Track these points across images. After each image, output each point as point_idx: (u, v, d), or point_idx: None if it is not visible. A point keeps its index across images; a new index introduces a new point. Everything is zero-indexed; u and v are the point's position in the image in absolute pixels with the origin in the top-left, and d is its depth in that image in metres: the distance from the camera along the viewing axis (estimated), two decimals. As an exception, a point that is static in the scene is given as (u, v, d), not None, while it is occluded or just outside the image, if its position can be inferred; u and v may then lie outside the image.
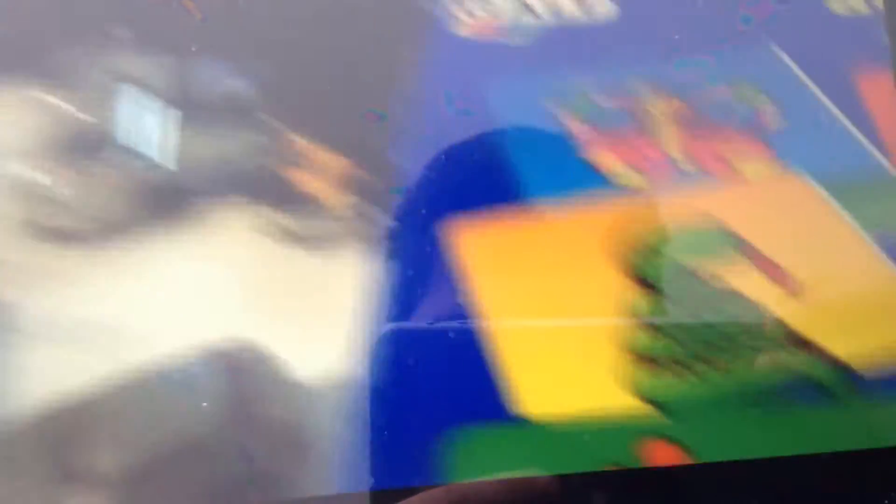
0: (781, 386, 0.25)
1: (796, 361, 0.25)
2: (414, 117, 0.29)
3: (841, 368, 0.25)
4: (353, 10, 0.30)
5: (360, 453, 0.28)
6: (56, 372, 0.27)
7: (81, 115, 0.29)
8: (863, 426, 0.26)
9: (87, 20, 0.31)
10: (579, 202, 0.26)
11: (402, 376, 0.28)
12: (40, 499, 0.26)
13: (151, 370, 0.27)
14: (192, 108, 0.30)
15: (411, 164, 0.28)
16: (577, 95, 0.26)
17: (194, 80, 0.30)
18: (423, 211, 0.28)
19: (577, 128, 0.26)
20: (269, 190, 0.30)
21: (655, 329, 0.25)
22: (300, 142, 0.29)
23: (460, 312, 0.27)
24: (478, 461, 0.26)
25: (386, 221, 0.29)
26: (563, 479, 0.30)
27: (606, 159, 0.26)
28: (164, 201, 0.29)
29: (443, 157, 0.28)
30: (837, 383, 0.25)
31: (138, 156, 0.29)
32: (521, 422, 0.26)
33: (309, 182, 0.29)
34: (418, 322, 0.30)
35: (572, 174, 0.26)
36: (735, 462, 0.30)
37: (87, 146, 0.29)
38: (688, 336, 0.25)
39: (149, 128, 0.29)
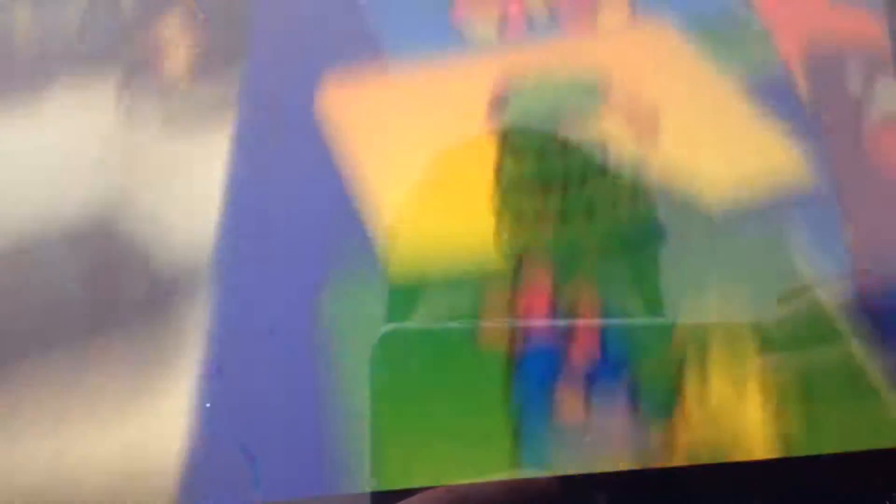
0: (643, 231, 0.24)
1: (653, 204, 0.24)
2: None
3: (696, 208, 0.24)
4: None
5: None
6: None
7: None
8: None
9: None
10: (443, 60, 0.25)
11: None
12: None
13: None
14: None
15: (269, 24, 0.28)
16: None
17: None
18: (284, 74, 0.27)
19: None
20: (118, 66, 0.29)
21: (523, 181, 0.25)
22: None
23: (334, 177, 0.26)
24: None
25: (241, 90, 0.28)
26: (564, 479, 0.30)
27: (470, 15, 0.26)
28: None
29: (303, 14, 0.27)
30: (695, 222, 0.25)
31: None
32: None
33: (161, 58, 0.28)
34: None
35: (435, 32, 0.26)
36: (736, 463, 0.30)
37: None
38: (558, 186, 0.25)
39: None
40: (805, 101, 0.26)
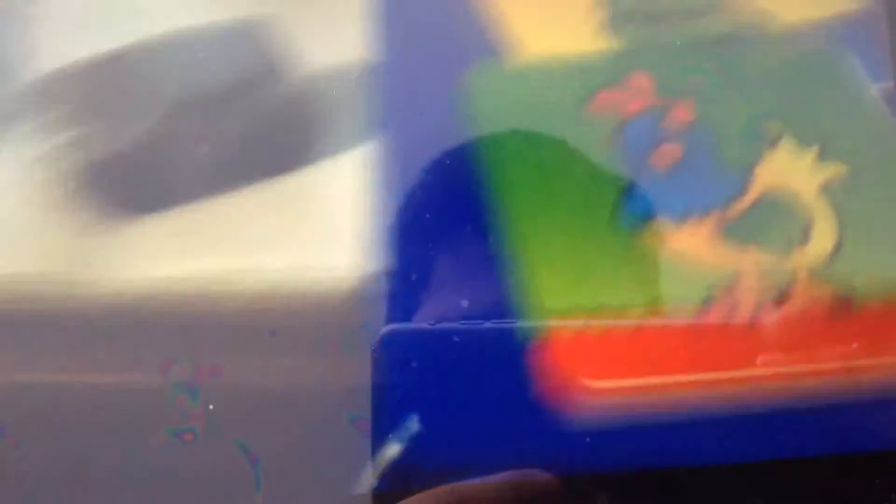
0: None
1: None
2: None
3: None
4: None
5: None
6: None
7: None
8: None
9: None
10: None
11: None
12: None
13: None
14: None
15: None
16: None
17: None
18: None
19: None
20: None
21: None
22: None
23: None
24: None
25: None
26: (565, 478, 0.30)
27: None
28: None
29: None
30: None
31: None
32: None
33: None
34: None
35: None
36: (737, 464, 0.30)
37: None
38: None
39: None
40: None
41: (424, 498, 0.30)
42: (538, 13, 0.28)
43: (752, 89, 0.27)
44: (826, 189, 0.26)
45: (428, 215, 0.27)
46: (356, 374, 0.31)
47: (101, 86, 0.29)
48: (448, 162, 0.27)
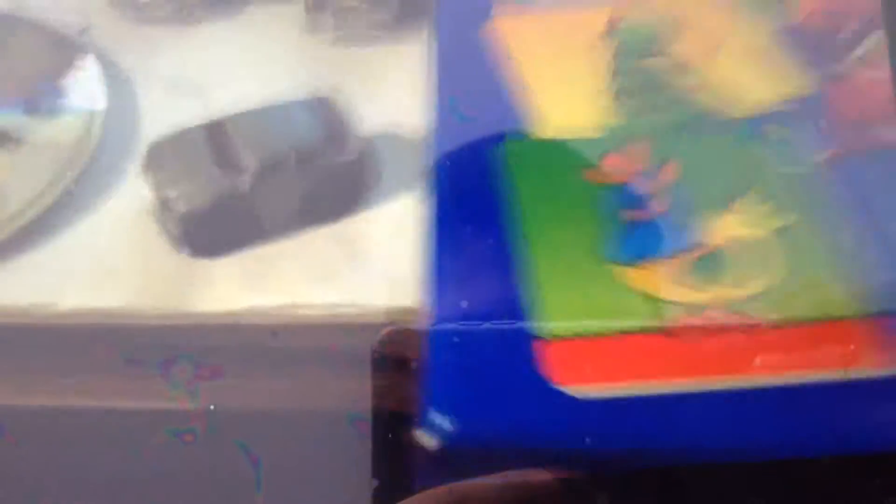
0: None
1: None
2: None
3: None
4: None
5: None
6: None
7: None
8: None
9: None
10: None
11: None
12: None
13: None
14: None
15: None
16: None
17: None
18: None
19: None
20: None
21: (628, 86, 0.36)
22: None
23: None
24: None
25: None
26: (564, 478, 0.30)
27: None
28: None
29: None
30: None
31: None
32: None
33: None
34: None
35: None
36: (736, 464, 0.30)
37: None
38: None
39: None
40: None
41: (424, 498, 0.30)
42: (559, 92, 0.36)
43: (723, 158, 0.34)
44: (773, 235, 0.33)
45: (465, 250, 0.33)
46: (356, 374, 0.32)
47: (200, 151, 0.36)
48: (483, 211, 0.33)
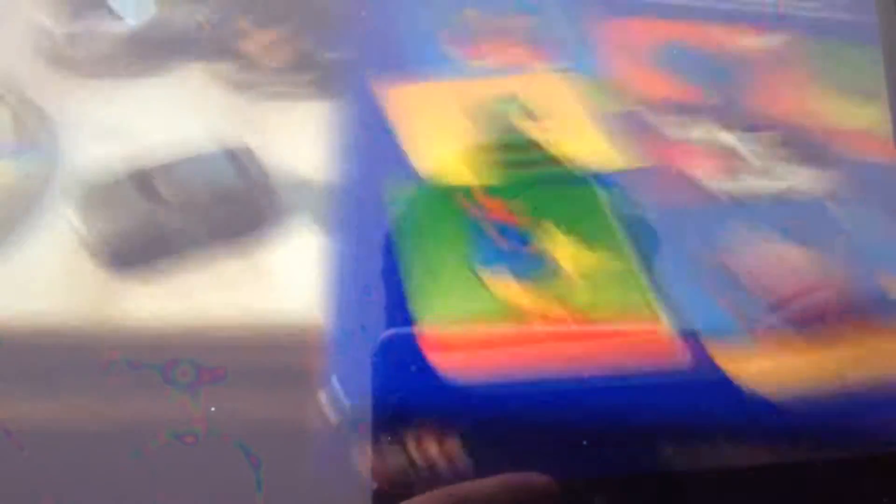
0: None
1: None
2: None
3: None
4: None
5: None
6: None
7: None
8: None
9: None
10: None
11: None
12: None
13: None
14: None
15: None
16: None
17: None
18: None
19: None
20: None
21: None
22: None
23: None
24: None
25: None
26: (563, 480, 0.31)
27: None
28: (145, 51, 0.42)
29: None
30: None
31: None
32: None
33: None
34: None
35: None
36: (736, 467, 0.31)
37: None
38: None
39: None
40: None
41: (423, 500, 0.30)
42: (440, 147, 0.40)
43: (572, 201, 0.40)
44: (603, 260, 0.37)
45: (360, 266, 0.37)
46: (356, 376, 0.32)
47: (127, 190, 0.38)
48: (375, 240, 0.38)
